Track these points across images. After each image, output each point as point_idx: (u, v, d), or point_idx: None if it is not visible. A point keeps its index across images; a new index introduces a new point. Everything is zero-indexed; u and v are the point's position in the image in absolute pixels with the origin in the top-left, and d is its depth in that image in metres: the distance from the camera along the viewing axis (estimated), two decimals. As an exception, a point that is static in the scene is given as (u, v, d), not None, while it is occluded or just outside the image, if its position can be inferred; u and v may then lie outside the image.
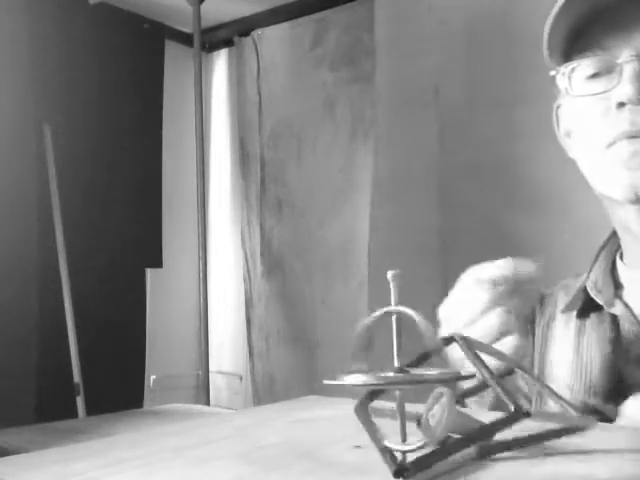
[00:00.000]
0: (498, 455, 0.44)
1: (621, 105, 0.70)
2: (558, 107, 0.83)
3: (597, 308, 0.78)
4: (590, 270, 0.82)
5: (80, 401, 2.13)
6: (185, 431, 0.60)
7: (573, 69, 0.74)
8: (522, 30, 1.93)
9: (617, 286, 0.79)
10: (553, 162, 1.80)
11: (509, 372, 0.53)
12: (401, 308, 0.41)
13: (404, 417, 0.41)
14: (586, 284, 0.80)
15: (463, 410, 0.51)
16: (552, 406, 0.56)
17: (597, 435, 0.48)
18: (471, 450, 0.42)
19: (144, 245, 2.61)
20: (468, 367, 0.45)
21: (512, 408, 0.40)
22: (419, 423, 0.47)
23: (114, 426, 1.59)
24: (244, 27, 2.77)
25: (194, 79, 2.47)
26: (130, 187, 2.56)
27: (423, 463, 0.38)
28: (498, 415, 0.42)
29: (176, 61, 2.73)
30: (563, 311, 0.83)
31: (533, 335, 0.87)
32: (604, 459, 0.45)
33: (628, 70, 0.69)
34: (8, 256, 2.07)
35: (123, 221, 2.49)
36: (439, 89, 2.12)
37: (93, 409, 2.07)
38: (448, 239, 2.07)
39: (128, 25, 2.59)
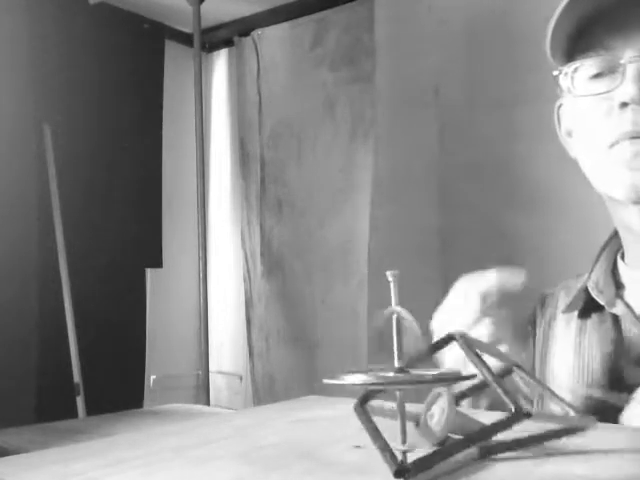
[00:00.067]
0: (499, 455, 0.44)
1: (624, 105, 0.70)
2: (560, 106, 0.83)
3: (598, 308, 0.78)
4: (591, 270, 0.82)
5: (80, 401, 2.13)
6: (185, 431, 0.60)
7: (576, 69, 0.74)
8: (522, 30, 1.93)
9: (618, 286, 0.79)
10: (553, 162, 1.80)
11: (508, 372, 0.53)
12: (397, 308, 0.41)
13: (404, 417, 0.41)
14: (587, 284, 0.80)
15: (462, 410, 0.51)
16: (552, 407, 0.56)
17: (597, 435, 0.48)
18: (472, 450, 0.42)
19: (144, 245, 2.61)
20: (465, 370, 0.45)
21: (513, 409, 0.40)
22: (417, 423, 0.47)
23: (114, 426, 1.59)
24: (244, 27, 2.77)
25: (194, 79, 2.47)
26: (130, 187, 2.55)
27: (424, 464, 0.38)
28: (498, 416, 0.42)
29: (176, 61, 2.73)
30: (564, 311, 0.83)
31: (534, 336, 0.87)
32: (604, 459, 0.45)
33: (631, 70, 0.69)
34: (8, 256, 2.07)
35: (123, 221, 2.49)
36: (439, 89, 2.12)
37: (93, 409, 2.07)
38: (448, 239, 2.07)
39: (128, 25, 2.59)
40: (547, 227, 1.86)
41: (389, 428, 0.43)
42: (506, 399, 0.40)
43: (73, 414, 2.08)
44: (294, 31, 2.61)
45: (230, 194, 2.90)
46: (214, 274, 2.79)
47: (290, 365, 2.56)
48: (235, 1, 2.64)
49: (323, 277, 2.48)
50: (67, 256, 2.19)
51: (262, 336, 2.66)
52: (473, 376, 0.43)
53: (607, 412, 0.72)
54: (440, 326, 0.75)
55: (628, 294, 0.77)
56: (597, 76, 0.73)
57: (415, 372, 0.42)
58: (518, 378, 0.53)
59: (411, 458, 0.39)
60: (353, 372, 0.41)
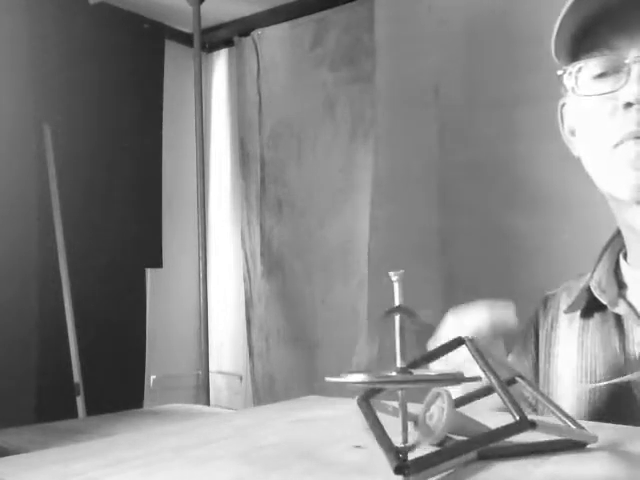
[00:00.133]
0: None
1: (628, 105, 0.70)
2: (563, 105, 0.83)
3: (601, 308, 0.79)
4: (594, 270, 0.82)
5: (80, 401, 2.13)
6: (185, 431, 0.60)
7: (580, 69, 0.74)
8: (522, 30, 1.93)
9: (621, 286, 0.79)
10: (553, 162, 1.80)
11: (511, 382, 0.53)
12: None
13: (406, 417, 0.41)
14: (590, 284, 0.80)
15: (461, 411, 0.51)
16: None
17: (598, 435, 0.48)
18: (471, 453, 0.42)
19: (144, 245, 2.61)
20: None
21: (517, 418, 0.40)
22: (416, 423, 0.47)
23: (114, 426, 1.59)
24: (244, 27, 2.77)
25: (194, 79, 2.47)
26: (130, 187, 2.55)
27: (424, 462, 0.38)
28: (499, 419, 0.42)
29: (176, 61, 2.73)
30: (566, 311, 0.83)
31: (537, 337, 0.87)
32: (604, 459, 0.45)
33: (636, 70, 0.69)
34: (8, 256, 2.07)
35: (123, 221, 2.49)
36: (439, 89, 2.12)
37: (93, 409, 2.07)
38: (448, 239, 2.07)
39: (128, 25, 2.59)
40: (548, 227, 1.86)
41: (389, 426, 0.43)
42: (511, 408, 0.41)
43: (73, 414, 2.08)
44: (294, 31, 2.61)
45: (230, 194, 2.90)
46: (214, 274, 2.79)
47: (290, 365, 2.56)
48: (235, 1, 2.64)
49: (323, 277, 2.48)
50: (67, 256, 2.19)
51: (262, 336, 2.66)
52: (476, 378, 0.43)
53: (611, 407, 0.72)
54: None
55: (630, 293, 0.78)
56: (601, 76, 0.73)
57: (418, 372, 0.42)
58: (521, 388, 0.53)
59: (411, 457, 0.39)
60: (354, 372, 0.41)
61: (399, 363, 0.41)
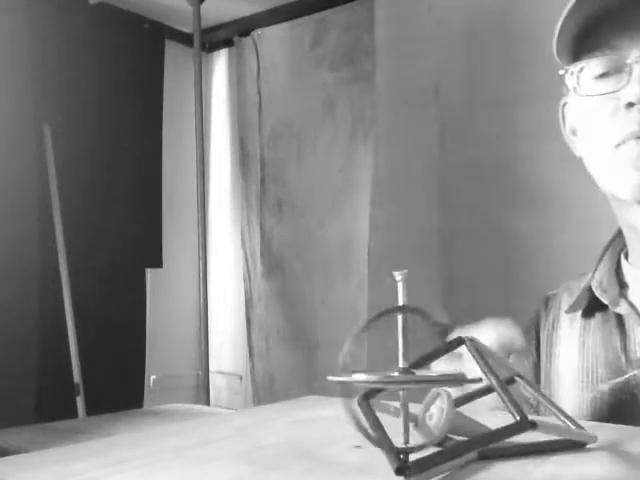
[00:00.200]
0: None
1: (630, 105, 0.70)
2: (564, 105, 0.83)
3: (602, 307, 0.79)
4: (595, 270, 0.82)
5: (80, 401, 2.13)
6: (185, 431, 0.60)
7: (582, 68, 0.74)
8: (522, 30, 1.93)
9: (622, 285, 0.79)
10: (554, 162, 1.80)
11: (510, 382, 0.53)
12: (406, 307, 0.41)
13: (408, 417, 0.41)
14: (591, 283, 0.81)
15: (461, 411, 0.51)
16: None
17: (598, 435, 0.48)
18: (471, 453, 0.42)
19: (144, 245, 2.61)
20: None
21: (518, 418, 0.40)
22: (416, 423, 0.47)
23: (114, 426, 1.59)
24: (244, 27, 2.77)
25: (194, 79, 2.47)
26: (130, 187, 2.55)
27: (425, 463, 0.38)
28: (497, 419, 0.42)
29: (176, 61, 2.73)
30: (567, 311, 0.83)
31: (538, 338, 0.87)
32: (604, 459, 0.45)
33: (637, 70, 0.69)
34: (8, 256, 2.07)
35: (123, 221, 2.49)
36: (439, 89, 2.12)
37: (93, 409, 2.07)
38: (448, 239, 2.07)
39: (128, 25, 2.59)
40: (548, 227, 1.86)
41: (388, 426, 0.43)
42: (511, 408, 0.41)
43: (73, 414, 2.08)
44: (294, 31, 2.61)
45: (230, 194, 2.90)
46: (214, 274, 2.79)
47: (290, 365, 2.56)
48: (235, 1, 2.64)
49: (323, 277, 2.48)
50: (67, 256, 2.19)
51: (262, 336, 2.66)
52: (478, 379, 0.42)
53: (613, 408, 0.72)
54: None
55: (632, 293, 0.78)
56: (603, 76, 0.73)
57: (419, 372, 0.42)
58: (520, 388, 0.53)
59: (412, 457, 0.39)
60: (356, 371, 0.41)
61: (401, 363, 0.41)
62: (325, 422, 0.61)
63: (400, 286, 0.41)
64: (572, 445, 0.47)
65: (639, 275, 0.78)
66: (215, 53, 2.96)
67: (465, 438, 0.46)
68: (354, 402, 0.49)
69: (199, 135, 2.43)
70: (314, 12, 2.55)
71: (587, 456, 0.46)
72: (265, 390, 2.64)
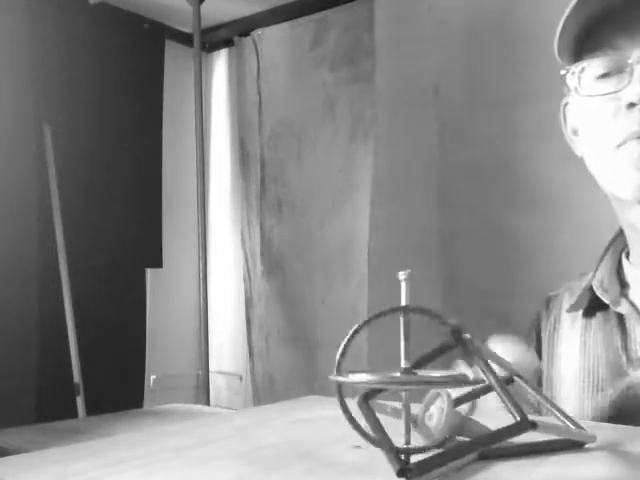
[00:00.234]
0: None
1: (631, 105, 0.70)
2: (565, 105, 0.83)
3: (603, 307, 0.79)
4: (596, 269, 0.82)
5: (80, 401, 2.13)
6: (185, 431, 0.60)
7: (583, 69, 0.74)
8: (522, 30, 1.93)
9: (623, 285, 0.79)
10: (554, 162, 1.80)
11: (509, 381, 0.53)
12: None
13: (409, 418, 0.41)
14: (592, 283, 0.81)
15: (460, 411, 0.51)
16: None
17: (597, 435, 0.48)
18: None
19: (144, 245, 2.61)
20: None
21: (518, 418, 0.40)
22: (415, 423, 0.47)
23: (114, 426, 1.59)
24: (244, 27, 2.77)
25: (194, 79, 2.47)
26: (130, 187, 2.55)
27: (427, 465, 0.38)
28: (497, 419, 0.42)
29: (176, 61, 2.73)
30: (569, 310, 0.83)
31: (539, 339, 0.87)
32: (604, 459, 0.45)
33: (639, 70, 0.69)
34: (8, 256, 2.06)
35: (123, 221, 2.49)
36: (439, 89, 2.12)
37: (93, 409, 2.07)
38: (448, 239, 2.07)
39: (128, 25, 2.59)
40: (549, 227, 1.86)
41: (389, 427, 0.43)
42: (511, 408, 0.40)
43: (73, 414, 2.08)
44: (294, 31, 2.61)
45: (230, 194, 2.90)
46: (214, 274, 2.79)
47: (290, 365, 2.56)
48: (235, 1, 2.64)
49: (323, 277, 2.48)
50: (67, 256, 2.19)
51: (262, 336, 2.66)
52: (481, 381, 0.42)
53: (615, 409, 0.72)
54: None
55: (633, 293, 0.78)
56: (604, 76, 0.73)
57: (422, 373, 0.42)
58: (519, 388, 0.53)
59: (413, 458, 0.39)
60: (357, 371, 0.41)
61: (403, 363, 0.41)
62: (325, 422, 0.61)
63: (404, 285, 0.41)
64: (571, 445, 0.47)
65: None
66: (215, 53, 2.96)
67: (465, 438, 0.46)
68: (354, 402, 0.49)
69: (199, 135, 2.43)
70: (314, 12, 2.55)
71: (587, 456, 0.46)
72: (265, 390, 2.64)
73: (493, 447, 0.43)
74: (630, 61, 0.70)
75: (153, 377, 2.65)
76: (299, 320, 2.55)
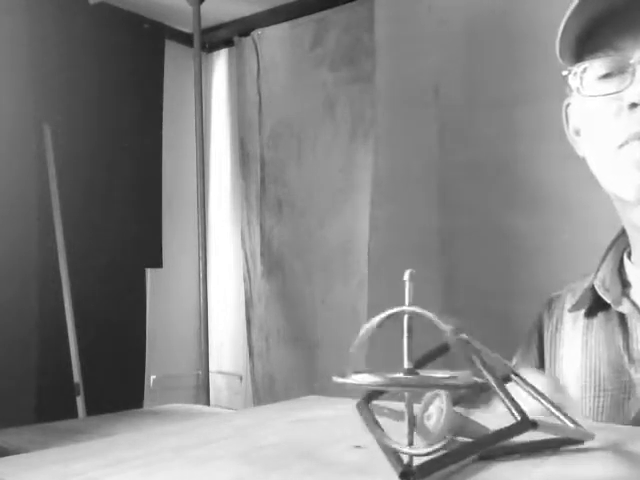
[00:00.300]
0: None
1: (633, 106, 0.70)
2: (568, 106, 0.83)
3: (605, 307, 0.79)
4: (598, 269, 0.82)
5: (80, 401, 2.13)
6: (185, 431, 0.60)
7: (585, 69, 0.74)
8: (522, 30, 1.93)
9: (625, 285, 0.79)
10: (554, 162, 1.80)
11: (505, 380, 0.53)
12: (414, 309, 0.40)
13: (412, 419, 0.41)
14: (594, 283, 0.81)
15: (460, 411, 0.51)
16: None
17: (596, 435, 0.48)
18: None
19: (144, 245, 2.61)
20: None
21: (519, 418, 0.40)
22: (415, 424, 0.47)
23: (114, 426, 1.59)
24: (244, 27, 2.77)
25: (194, 79, 2.47)
26: (130, 187, 2.55)
27: (430, 467, 0.38)
28: (498, 418, 0.42)
29: (176, 61, 2.73)
30: (570, 310, 0.83)
31: (541, 340, 0.88)
32: (604, 459, 0.45)
33: None
34: (8, 256, 2.07)
35: (123, 221, 2.49)
36: (439, 89, 2.12)
37: (93, 409, 2.07)
38: (448, 239, 2.07)
39: (128, 25, 2.59)
40: (549, 227, 1.86)
41: (391, 428, 0.43)
42: (511, 408, 0.40)
43: (73, 414, 2.08)
44: (294, 31, 2.61)
45: (230, 194, 2.90)
46: (214, 274, 2.79)
47: (290, 365, 2.56)
48: (235, 1, 2.64)
49: (323, 277, 2.48)
50: (67, 256, 2.19)
51: (262, 336, 2.66)
52: (485, 383, 0.42)
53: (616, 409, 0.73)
54: None
55: (634, 292, 0.78)
56: (606, 76, 0.73)
57: (424, 373, 0.41)
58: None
59: (415, 460, 0.39)
60: (359, 372, 0.41)
61: (406, 364, 0.41)
62: (325, 422, 0.61)
63: (407, 286, 0.41)
64: (570, 443, 0.46)
65: None
66: (215, 53, 2.96)
67: (464, 439, 0.46)
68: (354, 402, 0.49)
69: (199, 135, 2.43)
70: (314, 12, 2.55)
71: (587, 456, 0.46)
72: (265, 390, 2.64)
73: (493, 448, 0.43)
74: (632, 61, 0.70)
75: (153, 377, 2.65)
76: (299, 320, 2.55)
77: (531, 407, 0.45)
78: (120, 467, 0.46)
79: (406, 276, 0.41)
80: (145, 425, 1.62)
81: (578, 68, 0.75)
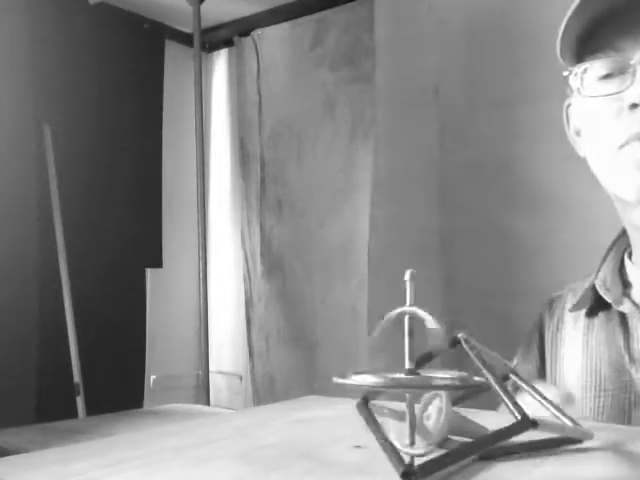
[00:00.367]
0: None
1: (634, 106, 0.70)
2: (568, 106, 0.83)
3: (605, 306, 0.79)
4: (599, 269, 0.83)
5: (80, 401, 2.13)
6: (185, 431, 0.60)
7: (585, 70, 0.74)
8: (522, 30, 1.93)
9: (625, 285, 0.80)
10: (554, 162, 1.80)
11: (504, 379, 0.53)
12: (416, 309, 0.40)
13: (414, 419, 0.41)
14: (595, 282, 0.81)
15: (459, 411, 0.51)
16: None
17: (596, 435, 0.48)
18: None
19: (144, 245, 2.61)
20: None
21: (519, 417, 0.40)
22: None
23: (114, 426, 1.59)
24: (244, 27, 2.77)
25: (194, 79, 2.47)
26: (130, 187, 2.55)
27: (432, 466, 0.38)
28: (494, 418, 0.42)
29: (176, 61, 2.73)
30: (571, 310, 0.83)
31: (541, 340, 0.88)
32: (604, 459, 0.45)
33: None
34: (8, 256, 2.07)
35: (123, 221, 2.49)
36: (439, 89, 2.12)
37: (93, 409, 2.07)
38: (448, 239, 2.07)
39: (128, 25, 2.59)
40: (549, 227, 1.86)
41: (389, 428, 0.43)
42: (512, 407, 0.40)
43: (73, 414, 2.08)
44: (294, 31, 2.61)
45: (230, 194, 2.90)
46: (214, 274, 2.79)
47: (290, 365, 2.56)
48: (235, 1, 2.64)
49: (323, 277, 2.48)
50: (67, 256, 2.19)
51: (262, 336, 2.66)
52: (488, 384, 0.42)
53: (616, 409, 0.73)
54: None
55: (635, 292, 0.78)
56: (607, 77, 0.73)
57: (425, 374, 0.41)
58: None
59: (416, 460, 0.39)
60: (360, 372, 0.41)
61: (407, 364, 0.41)
62: (325, 422, 0.61)
63: (408, 286, 0.41)
64: (569, 442, 0.46)
65: None
66: (215, 53, 2.96)
67: (464, 439, 0.46)
68: (354, 402, 0.49)
69: (199, 135, 2.43)
70: (314, 12, 2.55)
71: (587, 456, 0.46)
72: (265, 390, 2.64)
73: (493, 448, 0.43)
74: (633, 62, 0.70)
75: (153, 377, 2.65)
76: (299, 320, 2.55)
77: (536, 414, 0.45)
78: (120, 467, 0.46)
79: (407, 276, 0.41)
80: (145, 425, 1.62)
81: (579, 69, 0.75)
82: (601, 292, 0.80)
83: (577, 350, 0.81)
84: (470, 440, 0.44)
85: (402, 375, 0.40)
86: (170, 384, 2.69)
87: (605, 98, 0.73)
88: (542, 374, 0.86)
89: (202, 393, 2.43)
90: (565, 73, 0.77)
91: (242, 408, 2.59)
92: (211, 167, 2.95)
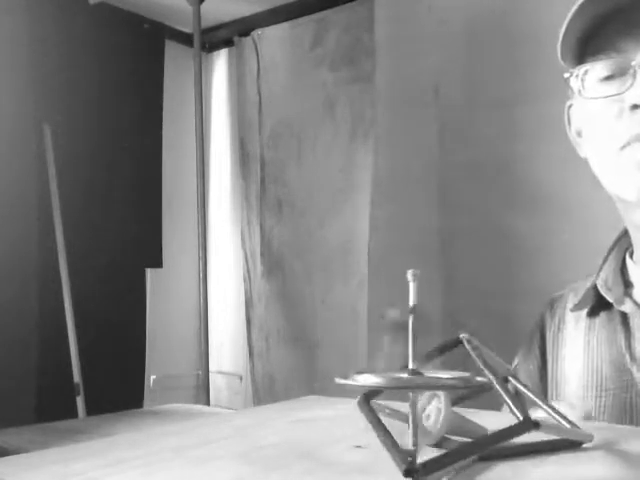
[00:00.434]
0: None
1: (635, 107, 0.70)
2: (570, 107, 0.83)
3: (607, 306, 0.79)
4: (600, 269, 0.83)
5: (80, 401, 2.13)
6: (185, 431, 0.60)
7: (586, 71, 0.74)
8: (522, 30, 1.93)
9: (627, 284, 0.80)
10: (554, 162, 1.80)
11: (504, 381, 0.53)
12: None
13: (417, 419, 0.41)
14: (596, 282, 0.81)
15: (458, 411, 0.51)
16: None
17: (597, 435, 0.48)
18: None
19: (144, 245, 2.61)
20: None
21: (521, 418, 0.40)
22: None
23: (114, 426, 1.59)
24: (244, 27, 2.77)
25: (194, 79, 2.47)
26: (130, 187, 2.55)
27: (434, 465, 0.38)
28: (494, 418, 0.42)
29: (176, 61, 2.73)
30: (573, 310, 0.83)
31: (542, 340, 0.88)
32: (603, 459, 0.45)
33: None
34: (8, 256, 2.07)
35: (123, 221, 2.49)
36: (439, 89, 2.12)
37: (93, 409, 2.07)
38: (448, 239, 2.07)
39: (128, 25, 2.59)
40: (548, 227, 1.86)
41: (394, 426, 0.43)
42: (513, 408, 0.40)
43: (73, 414, 2.08)
44: (294, 31, 2.61)
45: (230, 194, 2.90)
46: (214, 274, 2.79)
47: (290, 365, 2.56)
48: (235, 1, 2.64)
49: (323, 277, 2.48)
50: (67, 256, 2.19)
51: (262, 336, 2.66)
52: (489, 385, 0.42)
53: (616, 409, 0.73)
54: None
55: (637, 292, 0.78)
56: (608, 78, 0.73)
57: (428, 374, 0.41)
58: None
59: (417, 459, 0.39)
60: (362, 372, 0.40)
61: (411, 364, 0.41)
62: (325, 422, 0.61)
63: (412, 286, 0.41)
64: (569, 444, 0.46)
65: None
66: (215, 53, 2.96)
67: (463, 439, 0.46)
68: (354, 401, 0.49)
69: (199, 135, 2.43)
70: (314, 12, 2.55)
71: (587, 456, 0.46)
72: (265, 390, 2.64)
73: (494, 448, 0.43)
74: (633, 63, 0.70)
75: (153, 377, 2.65)
76: (299, 320, 2.55)
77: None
78: (120, 467, 0.46)
79: (409, 276, 0.41)
80: (145, 425, 1.62)
81: (579, 70, 0.75)
82: (602, 292, 0.80)
83: (578, 350, 0.81)
84: (470, 440, 0.44)
85: (405, 375, 0.40)
86: (170, 384, 2.69)
87: (606, 99, 0.73)
88: (543, 374, 0.86)
89: (202, 393, 2.43)
90: (566, 75, 0.77)
91: (242, 408, 2.59)
92: (211, 167, 2.95)
